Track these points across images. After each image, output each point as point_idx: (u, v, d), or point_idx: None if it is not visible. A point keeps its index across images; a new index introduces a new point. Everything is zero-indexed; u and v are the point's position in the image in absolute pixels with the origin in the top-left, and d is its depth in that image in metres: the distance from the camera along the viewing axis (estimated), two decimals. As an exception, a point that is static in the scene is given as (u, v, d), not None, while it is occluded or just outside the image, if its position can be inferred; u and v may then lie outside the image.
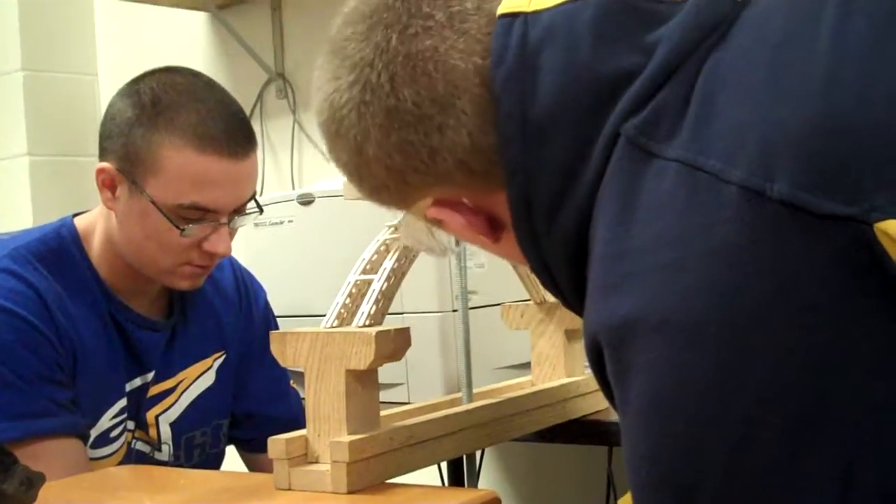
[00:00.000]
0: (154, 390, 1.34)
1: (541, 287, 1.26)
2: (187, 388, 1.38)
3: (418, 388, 1.51)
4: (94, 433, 1.27)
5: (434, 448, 1.02)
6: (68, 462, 1.19)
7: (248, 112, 1.40)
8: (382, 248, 1.05)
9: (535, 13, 0.72)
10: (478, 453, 1.72)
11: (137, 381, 1.32)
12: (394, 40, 0.74)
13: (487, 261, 1.54)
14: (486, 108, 0.73)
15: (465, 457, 1.50)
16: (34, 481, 0.82)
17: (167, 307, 1.38)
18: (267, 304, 1.50)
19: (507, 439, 1.19)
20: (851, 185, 0.57)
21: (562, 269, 0.75)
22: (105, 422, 1.28)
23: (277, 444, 0.95)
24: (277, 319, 1.52)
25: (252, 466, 1.48)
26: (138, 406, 1.33)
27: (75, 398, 1.24)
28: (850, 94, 0.59)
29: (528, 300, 1.29)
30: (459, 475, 1.70)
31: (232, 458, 1.50)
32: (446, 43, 0.73)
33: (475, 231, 0.80)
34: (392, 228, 1.06)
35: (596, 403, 1.27)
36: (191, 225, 1.23)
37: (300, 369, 0.97)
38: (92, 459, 1.26)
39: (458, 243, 1.19)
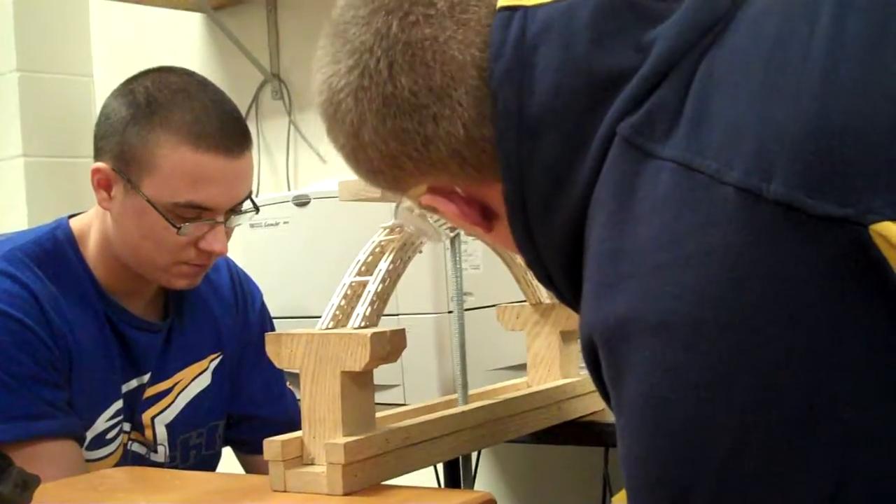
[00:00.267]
0: (150, 392, 1.34)
1: (536, 288, 1.26)
2: (183, 389, 1.37)
3: (414, 390, 1.51)
4: (90, 435, 1.26)
5: (430, 449, 1.02)
6: (64, 464, 1.19)
7: (243, 113, 1.40)
8: (378, 249, 1.04)
9: (535, 7, 0.72)
10: (474, 455, 1.72)
11: (133, 383, 1.32)
12: (394, 27, 0.74)
13: (483, 262, 1.54)
14: (481, 101, 0.73)
15: (461, 458, 1.50)
16: (29, 483, 0.82)
17: (163, 308, 1.37)
18: (263, 305, 1.50)
19: (503, 441, 1.19)
20: (847, 187, 0.57)
21: (556, 265, 0.76)
22: (101, 423, 1.28)
23: (273, 445, 0.95)
24: (273, 321, 1.51)
25: (248, 468, 1.48)
26: (134, 408, 1.33)
27: (71, 400, 1.24)
28: (846, 94, 0.59)
29: (524, 301, 1.29)
30: (455, 477, 1.70)
31: (228, 460, 1.50)
32: (446, 33, 0.74)
33: (468, 220, 0.80)
34: (387, 230, 1.06)
35: (592, 405, 1.27)
36: (187, 223, 1.23)
37: (296, 371, 0.97)
38: (88, 461, 1.26)
39: (452, 243, 1.19)
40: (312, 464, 0.96)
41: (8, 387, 1.18)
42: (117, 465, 1.30)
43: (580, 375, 1.27)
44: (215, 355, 1.41)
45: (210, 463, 1.43)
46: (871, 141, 0.58)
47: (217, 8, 2.40)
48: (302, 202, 1.65)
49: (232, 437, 1.47)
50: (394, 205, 1.03)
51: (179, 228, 1.23)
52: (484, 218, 0.81)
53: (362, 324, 0.98)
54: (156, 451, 1.36)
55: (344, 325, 0.99)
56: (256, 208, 1.33)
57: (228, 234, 1.29)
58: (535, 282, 1.24)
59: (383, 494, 0.93)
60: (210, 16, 2.40)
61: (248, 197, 1.29)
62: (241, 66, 2.38)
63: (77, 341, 1.25)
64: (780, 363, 0.59)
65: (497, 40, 0.73)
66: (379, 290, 1.00)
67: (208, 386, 1.40)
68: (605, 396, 0.69)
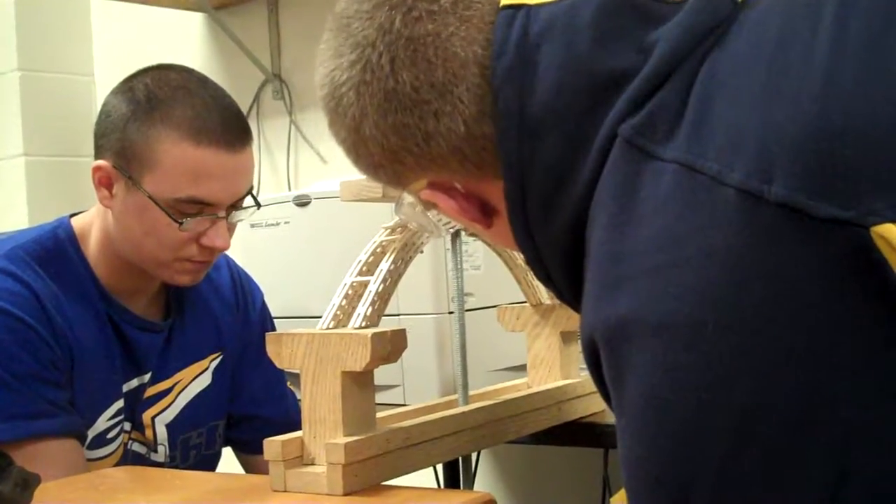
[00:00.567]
0: (150, 391, 1.34)
1: (537, 289, 1.27)
2: (183, 389, 1.37)
3: (414, 390, 1.51)
4: (90, 434, 1.26)
5: (430, 450, 1.02)
6: (65, 463, 1.19)
7: (244, 113, 1.40)
8: (379, 249, 1.05)
9: (538, 6, 0.73)
10: (474, 455, 1.72)
11: (134, 382, 1.32)
12: (397, 22, 0.75)
13: (484, 263, 1.54)
14: (483, 99, 0.74)
15: (461, 459, 1.50)
16: (30, 482, 0.82)
17: (164, 308, 1.38)
18: (264, 304, 1.50)
19: (503, 441, 1.19)
20: (849, 189, 0.57)
21: (556, 263, 0.76)
22: (102, 423, 1.28)
23: (273, 445, 0.95)
24: (274, 320, 1.51)
25: (248, 468, 1.48)
26: (134, 407, 1.33)
27: (72, 399, 1.24)
28: (848, 97, 0.59)
29: (525, 302, 1.29)
30: (455, 477, 1.71)
31: (228, 460, 1.50)
32: (448, 29, 0.74)
33: (467, 216, 0.81)
34: (388, 230, 1.06)
35: (592, 406, 1.27)
36: (189, 219, 1.23)
37: (296, 371, 0.97)
38: (89, 460, 1.26)
39: (453, 243, 1.19)
40: (313, 464, 0.96)
41: (9, 385, 1.18)
42: (117, 464, 1.30)
43: (580, 376, 1.27)
44: (216, 355, 1.41)
45: (210, 463, 1.43)
46: (872, 142, 0.58)
47: (218, 8, 2.40)
48: (303, 202, 1.65)
49: (232, 437, 1.47)
50: (394, 205, 1.03)
51: (181, 224, 1.23)
52: (483, 214, 0.81)
53: (363, 324, 0.98)
54: (156, 451, 1.36)
55: (345, 326, 0.99)
56: (258, 204, 1.33)
57: (230, 231, 1.29)
58: (536, 282, 1.24)
59: (383, 495, 0.93)
60: (211, 15, 2.40)
61: (250, 192, 1.30)
62: (242, 65, 2.38)
63: (78, 340, 1.25)
64: (781, 364, 0.59)
65: (500, 38, 0.73)
66: (380, 290, 1.00)
67: (209, 386, 1.40)
68: (606, 397, 0.69)
